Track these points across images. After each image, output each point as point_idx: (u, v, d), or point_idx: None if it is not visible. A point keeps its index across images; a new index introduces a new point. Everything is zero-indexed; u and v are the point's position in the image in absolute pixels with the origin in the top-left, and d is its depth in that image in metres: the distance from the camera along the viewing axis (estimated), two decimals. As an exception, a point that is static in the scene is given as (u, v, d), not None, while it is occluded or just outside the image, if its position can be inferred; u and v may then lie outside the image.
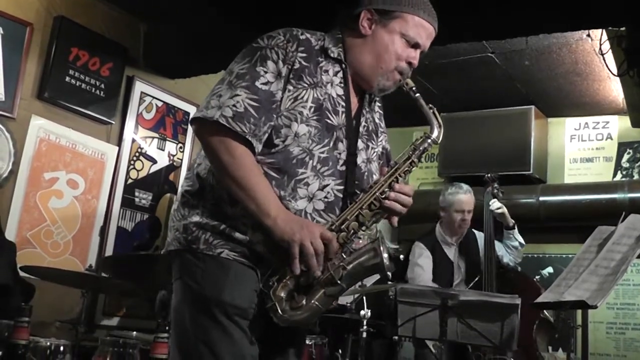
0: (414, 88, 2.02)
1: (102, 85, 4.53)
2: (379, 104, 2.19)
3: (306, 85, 1.91)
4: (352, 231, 1.89)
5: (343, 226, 1.88)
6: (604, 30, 4.40)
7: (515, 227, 4.49)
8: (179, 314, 1.87)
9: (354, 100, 2.04)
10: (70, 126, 4.38)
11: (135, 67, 4.84)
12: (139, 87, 4.85)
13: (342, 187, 1.94)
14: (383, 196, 1.92)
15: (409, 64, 2.02)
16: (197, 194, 1.91)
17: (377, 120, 2.15)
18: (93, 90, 4.48)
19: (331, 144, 1.93)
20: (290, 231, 1.77)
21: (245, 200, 1.80)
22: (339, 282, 1.82)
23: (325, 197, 1.91)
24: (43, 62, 4.23)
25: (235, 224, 1.84)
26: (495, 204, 4.47)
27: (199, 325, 1.81)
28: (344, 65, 2.01)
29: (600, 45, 4.57)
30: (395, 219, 1.97)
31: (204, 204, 1.89)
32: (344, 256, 1.85)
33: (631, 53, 4.10)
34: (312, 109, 1.90)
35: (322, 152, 1.91)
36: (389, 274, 1.92)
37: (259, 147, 1.84)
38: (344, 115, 1.97)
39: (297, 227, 1.78)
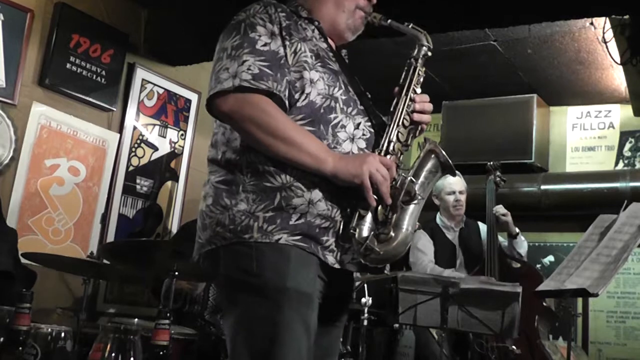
0: (382, 17, 2.04)
1: (103, 72, 4.51)
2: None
3: (298, 39, 1.91)
4: (399, 152, 1.90)
5: (390, 148, 1.87)
6: (607, 19, 4.37)
7: (519, 235, 4.43)
8: (233, 313, 1.79)
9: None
10: (72, 113, 4.36)
11: (136, 54, 4.82)
12: (140, 74, 4.83)
13: (369, 123, 1.93)
14: (410, 109, 1.94)
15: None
16: (234, 181, 1.81)
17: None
18: (94, 77, 4.46)
19: (343, 87, 1.92)
20: (353, 166, 1.76)
21: (296, 156, 1.75)
22: (416, 193, 1.82)
23: (363, 134, 1.90)
24: (44, 49, 4.20)
25: (289, 194, 1.77)
26: (500, 209, 4.40)
27: (260, 321, 1.73)
28: (317, 22, 2.03)
29: (604, 33, 4.54)
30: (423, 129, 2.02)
31: (245, 189, 1.79)
32: (404, 174, 1.85)
33: (634, 41, 4.09)
34: (313, 57, 1.90)
35: (342, 95, 1.90)
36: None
37: (285, 102, 1.82)
38: (336, 63, 1.98)
39: (359, 162, 1.78)
